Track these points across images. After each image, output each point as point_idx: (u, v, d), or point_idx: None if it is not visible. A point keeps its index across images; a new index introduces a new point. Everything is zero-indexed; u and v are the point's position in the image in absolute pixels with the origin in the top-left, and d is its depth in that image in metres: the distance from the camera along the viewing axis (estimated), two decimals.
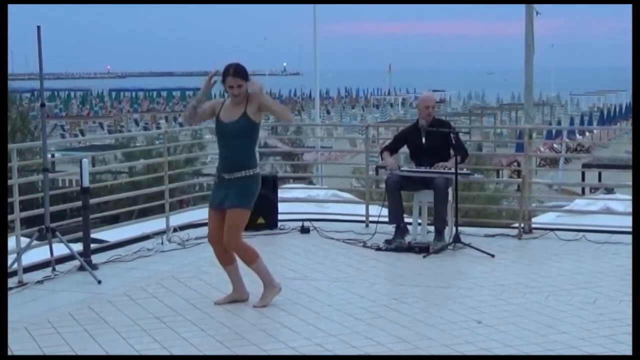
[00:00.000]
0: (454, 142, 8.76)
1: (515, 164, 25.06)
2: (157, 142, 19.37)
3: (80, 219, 8.18)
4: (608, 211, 10.22)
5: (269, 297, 6.59)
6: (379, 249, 8.74)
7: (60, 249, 7.82)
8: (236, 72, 6.35)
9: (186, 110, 6.72)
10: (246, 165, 6.37)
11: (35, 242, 7.67)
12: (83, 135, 52.46)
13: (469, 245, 8.54)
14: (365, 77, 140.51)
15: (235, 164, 6.36)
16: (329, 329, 6.00)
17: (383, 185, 9.46)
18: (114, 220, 10.67)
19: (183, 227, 9.59)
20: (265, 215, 9.67)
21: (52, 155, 20.95)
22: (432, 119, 9.12)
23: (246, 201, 6.41)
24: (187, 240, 9.06)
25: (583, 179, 25.37)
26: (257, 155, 7.00)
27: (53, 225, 7.66)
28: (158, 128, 48.71)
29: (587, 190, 24.57)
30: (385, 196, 9.06)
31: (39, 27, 7.49)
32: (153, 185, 11.14)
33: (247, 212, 6.46)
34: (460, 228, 8.77)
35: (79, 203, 8.23)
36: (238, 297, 6.67)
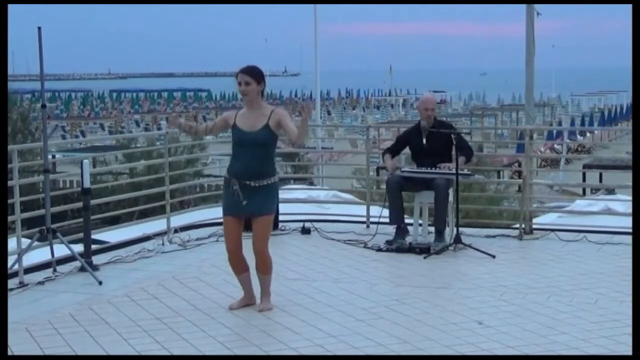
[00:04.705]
0: (455, 142, 8.76)
1: (516, 164, 25.06)
2: (158, 143, 19.34)
3: (81, 219, 8.18)
4: (609, 212, 10.22)
5: (269, 302, 6.60)
6: (379, 249, 8.74)
7: (61, 250, 7.82)
8: (245, 70, 6.39)
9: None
10: (271, 173, 6.44)
11: (36, 243, 7.66)
12: (84, 136, 52.55)
13: (469, 246, 8.54)
14: (364, 77, 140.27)
15: (261, 172, 6.39)
16: (329, 329, 6.00)
17: (384, 186, 9.46)
18: (114, 221, 10.66)
19: (184, 228, 9.59)
20: None
21: (53, 156, 20.97)
22: (434, 120, 9.12)
23: (273, 207, 6.59)
24: (188, 241, 9.06)
25: (584, 180, 25.41)
26: None
27: (54, 226, 7.65)
28: (159, 129, 48.71)
29: (588, 191, 24.60)
30: (386, 197, 9.06)
31: (39, 28, 7.49)
32: (154, 186, 11.14)
33: (273, 217, 6.66)
34: (461, 229, 8.76)
35: (79, 204, 8.23)
36: (248, 301, 6.67)
